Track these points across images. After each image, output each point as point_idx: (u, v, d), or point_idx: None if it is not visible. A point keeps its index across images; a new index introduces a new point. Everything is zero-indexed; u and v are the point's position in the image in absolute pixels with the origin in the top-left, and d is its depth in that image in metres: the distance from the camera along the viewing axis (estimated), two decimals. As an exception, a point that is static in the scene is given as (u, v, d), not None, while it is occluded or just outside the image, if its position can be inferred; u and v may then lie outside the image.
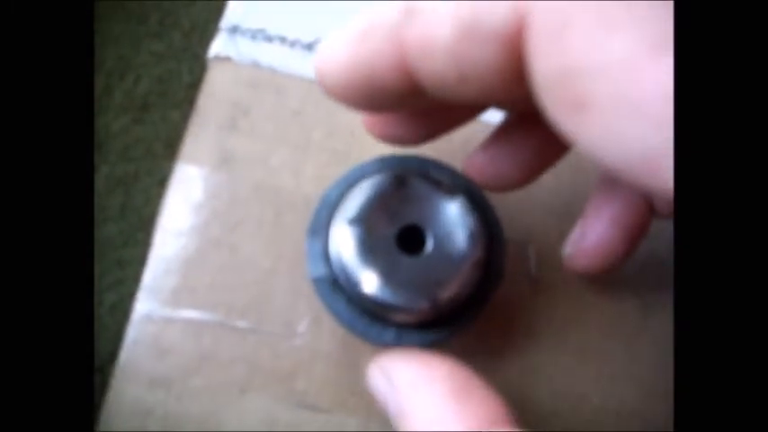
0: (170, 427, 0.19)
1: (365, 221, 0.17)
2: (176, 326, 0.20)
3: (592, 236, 0.19)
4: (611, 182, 0.19)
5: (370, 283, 0.17)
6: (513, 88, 0.13)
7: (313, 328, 0.20)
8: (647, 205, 0.19)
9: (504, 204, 0.20)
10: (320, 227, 0.18)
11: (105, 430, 0.19)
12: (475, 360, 0.17)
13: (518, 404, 0.15)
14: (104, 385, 0.20)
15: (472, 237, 0.18)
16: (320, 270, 0.18)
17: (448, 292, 0.17)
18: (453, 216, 0.18)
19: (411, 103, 0.16)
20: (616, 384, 0.21)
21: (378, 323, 0.18)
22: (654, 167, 0.11)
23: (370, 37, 0.14)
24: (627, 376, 0.21)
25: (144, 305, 0.20)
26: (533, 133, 0.18)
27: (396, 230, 0.18)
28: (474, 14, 0.13)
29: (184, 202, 0.21)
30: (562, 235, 0.21)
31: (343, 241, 0.17)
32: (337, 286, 0.18)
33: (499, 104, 0.17)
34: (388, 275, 0.17)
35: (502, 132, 0.18)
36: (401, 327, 0.18)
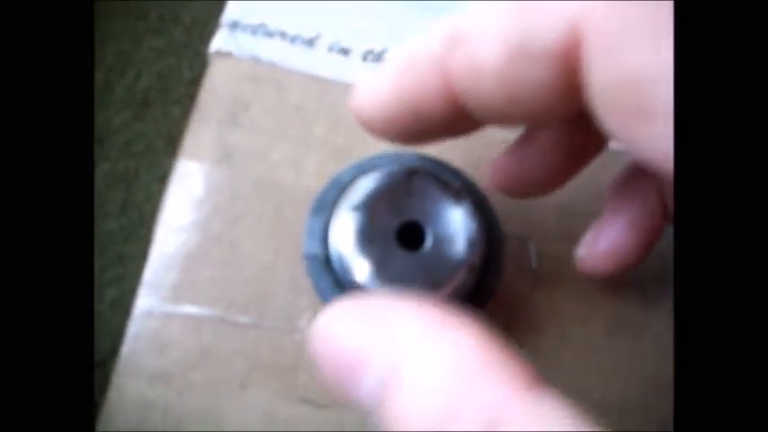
0: (171, 421, 0.19)
1: (369, 210, 0.17)
2: (177, 321, 0.20)
3: (606, 239, 0.19)
4: (629, 185, 0.19)
5: (362, 271, 0.17)
6: (563, 104, 0.13)
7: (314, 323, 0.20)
8: (663, 210, 0.19)
9: (505, 199, 0.20)
10: (325, 206, 0.18)
11: (106, 424, 0.19)
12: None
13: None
14: (105, 380, 0.20)
15: (471, 244, 0.18)
16: (315, 248, 0.18)
17: (438, 293, 0.17)
18: (456, 220, 0.18)
19: (457, 130, 0.16)
20: (618, 380, 0.21)
21: None
22: None
23: (413, 68, 0.14)
24: (628, 372, 0.21)
25: (145, 301, 0.20)
26: (563, 135, 0.18)
27: (397, 224, 0.18)
28: (523, 35, 0.12)
29: (185, 198, 0.21)
30: (563, 230, 0.21)
31: (344, 226, 0.17)
32: (329, 267, 0.18)
33: (544, 121, 0.17)
34: (381, 267, 0.17)
35: (530, 136, 0.18)
36: None
